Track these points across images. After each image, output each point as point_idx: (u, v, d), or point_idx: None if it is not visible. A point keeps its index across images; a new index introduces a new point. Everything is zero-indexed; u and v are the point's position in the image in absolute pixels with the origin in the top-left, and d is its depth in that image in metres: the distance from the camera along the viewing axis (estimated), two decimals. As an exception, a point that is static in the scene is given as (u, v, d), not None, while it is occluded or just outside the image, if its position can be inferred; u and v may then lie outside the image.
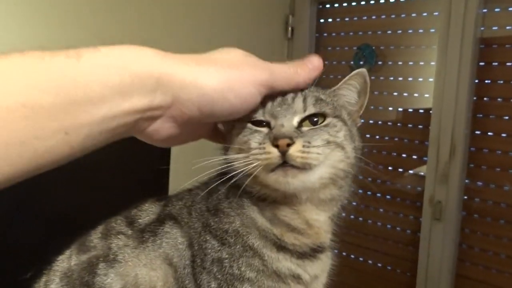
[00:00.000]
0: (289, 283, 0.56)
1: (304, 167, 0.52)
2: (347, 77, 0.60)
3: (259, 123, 0.56)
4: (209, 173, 0.61)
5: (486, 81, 1.68)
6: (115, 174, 0.55)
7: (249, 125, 0.56)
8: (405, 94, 1.89)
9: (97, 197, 0.63)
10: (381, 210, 1.91)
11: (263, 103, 0.54)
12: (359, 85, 0.61)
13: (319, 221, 0.59)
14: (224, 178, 0.57)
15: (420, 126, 1.83)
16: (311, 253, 0.58)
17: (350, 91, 0.61)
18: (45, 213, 0.71)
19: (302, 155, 0.52)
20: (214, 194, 0.59)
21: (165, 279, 0.55)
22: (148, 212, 0.60)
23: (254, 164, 0.53)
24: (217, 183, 0.59)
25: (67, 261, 0.59)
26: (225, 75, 0.48)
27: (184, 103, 0.47)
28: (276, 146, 0.52)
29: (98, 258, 0.56)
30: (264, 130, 0.55)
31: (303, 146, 0.52)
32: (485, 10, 1.64)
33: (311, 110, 0.55)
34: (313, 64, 0.57)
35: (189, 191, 0.62)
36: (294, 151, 0.52)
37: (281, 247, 0.56)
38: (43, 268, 0.60)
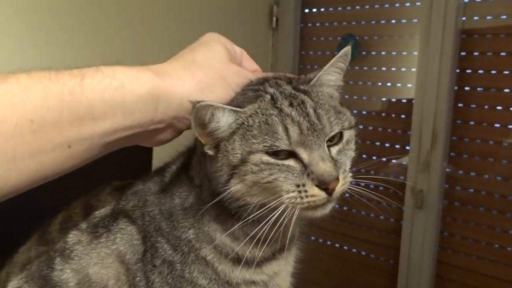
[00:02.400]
0: (242, 287, 0.55)
1: None
2: (334, 60, 0.55)
3: (278, 153, 0.49)
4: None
5: (468, 71, 1.70)
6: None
7: (271, 160, 0.48)
8: (388, 84, 1.90)
9: (71, 187, 0.62)
10: (365, 199, 1.93)
11: (271, 125, 0.48)
12: (345, 65, 0.57)
13: (293, 225, 0.59)
14: (194, 188, 0.55)
15: (403, 116, 1.85)
16: (271, 256, 0.57)
17: (338, 74, 0.57)
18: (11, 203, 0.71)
19: (343, 187, 0.50)
20: (168, 193, 0.56)
21: (117, 277, 0.54)
22: (104, 203, 0.59)
23: (291, 208, 0.48)
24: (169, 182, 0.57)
25: (27, 252, 0.58)
26: (214, 88, 0.51)
27: (184, 115, 0.50)
28: (324, 189, 0.48)
29: (56, 252, 0.56)
30: (296, 166, 0.49)
31: (344, 178, 0.50)
32: (466, 0, 1.65)
33: (335, 129, 0.51)
34: None
35: (143, 183, 0.60)
36: (339, 187, 0.49)
37: (238, 260, 0.54)
38: (6, 258, 0.61)
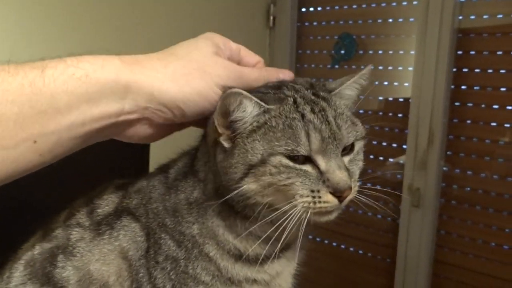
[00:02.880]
0: (244, 285, 0.55)
1: None
2: (356, 76, 0.57)
3: (296, 157, 0.49)
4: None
5: (464, 70, 1.70)
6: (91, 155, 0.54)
7: (291, 163, 0.49)
8: (385, 83, 1.90)
9: (70, 186, 0.62)
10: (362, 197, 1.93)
11: (294, 130, 0.48)
12: (365, 82, 0.58)
13: (303, 228, 0.59)
14: (196, 183, 0.55)
15: (400, 115, 1.85)
16: (274, 256, 0.57)
17: (357, 90, 0.58)
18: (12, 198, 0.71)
19: (352, 196, 0.51)
20: (173, 190, 0.57)
21: (118, 273, 0.54)
22: (108, 201, 0.59)
23: (302, 211, 0.49)
24: (174, 177, 0.57)
25: (31, 249, 0.58)
26: (190, 78, 0.48)
27: (156, 107, 0.48)
28: (338, 196, 0.49)
29: (58, 249, 0.56)
30: (313, 172, 0.49)
31: (354, 187, 0.51)
32: (462, 0, 1.66)
33: (350, 139, 0.53)
34: (284, 77, 0.56)
35: (147, 180, 0.60)
36: (350, 196, 0.51)
37: (240, 258, 0.55)
38: (10, 255, 0.60)
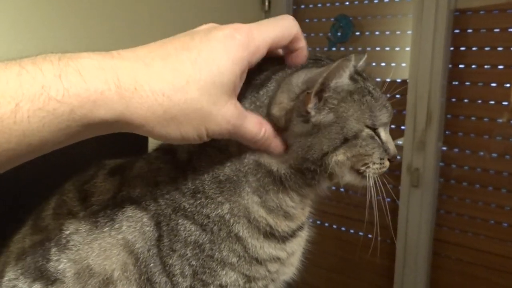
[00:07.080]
0: (266, 264, 0.55)
1: None
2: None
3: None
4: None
5: (461, 49, 1.69)
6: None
7: (374, 133, 0.54)
8: (382, 64, 1.89)
9: (66, 173, 0.59)
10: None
11: (370, 106, 0.53)
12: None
13: (310, 202, 0.59)
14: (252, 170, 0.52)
15: (398, 96, 1.84)
16: (292, 234, 0.57)
17: None
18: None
19: None
20: (189, 170, 0.53)
21: (124, 268, 0.52)
22: (102, 190, 0.55)
23: (373, 177, 0.55)
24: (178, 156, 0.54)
25: (22, 242, 0.56)
26: (183, 126, 0.44)
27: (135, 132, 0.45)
28: (391, 161, 0.56)
29: (51, 242, 0.53)
30: (380, 142, 0.55)
31: None
32: (459, -23, 1.64)
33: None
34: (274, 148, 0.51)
35: (148, 164, 0.56)
36: None
37: (270, 235, 0.54)
38: (3, 248, 0.58)
